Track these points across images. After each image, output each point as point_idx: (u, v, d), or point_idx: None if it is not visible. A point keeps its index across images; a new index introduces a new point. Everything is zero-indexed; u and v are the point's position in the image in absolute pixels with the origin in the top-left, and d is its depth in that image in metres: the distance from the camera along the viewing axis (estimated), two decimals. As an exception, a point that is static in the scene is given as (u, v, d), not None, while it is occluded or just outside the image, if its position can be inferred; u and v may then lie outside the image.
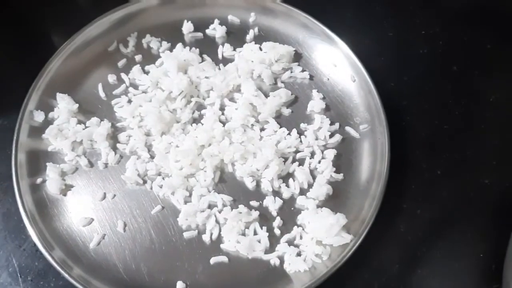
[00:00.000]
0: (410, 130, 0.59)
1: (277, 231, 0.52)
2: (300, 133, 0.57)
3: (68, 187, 0.53)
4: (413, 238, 0.53)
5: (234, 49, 0.62)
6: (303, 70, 0.61)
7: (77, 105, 0.57)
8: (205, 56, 0.61)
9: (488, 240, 0.53)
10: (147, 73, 0.60)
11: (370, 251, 0.52)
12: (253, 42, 0.62)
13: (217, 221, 0.52)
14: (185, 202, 0.53)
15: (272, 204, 0.53)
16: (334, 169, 0.55)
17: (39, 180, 0.54)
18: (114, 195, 0.53)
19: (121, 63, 0.61)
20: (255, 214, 0.52)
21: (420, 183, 0.56)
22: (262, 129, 0.57)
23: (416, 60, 0.65)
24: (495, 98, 0.62)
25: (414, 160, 0.58)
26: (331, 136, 0.57)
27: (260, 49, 0.61)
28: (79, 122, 0.57)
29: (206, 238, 0.51)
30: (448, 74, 0.64)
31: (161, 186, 0.53)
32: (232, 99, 0.59)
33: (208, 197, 0.53)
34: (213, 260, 0.50)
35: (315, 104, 0.58)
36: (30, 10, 0.67)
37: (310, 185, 0.54)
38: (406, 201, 0.55)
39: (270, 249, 0.51)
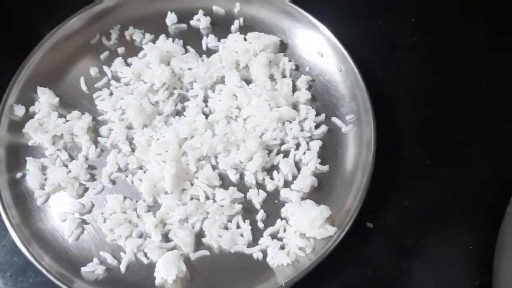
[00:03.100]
0: (398, 120, 0.58)
1: (260, 224, 0.51)
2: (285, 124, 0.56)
3: (48, 182, 0.52)
4: (401, 230, 0.52)
5: (219, 40, 0.61)
6: (289, 60, 0.59)
7: (58, 98, 0.56)
8: (188, 47, 0.60)
9: (478, 233, 0.52)
10: (129, 65, 0.59)
11: (355, 243, 0.50)
12: (238, 33, 0.61)
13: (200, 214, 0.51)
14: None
15: (256, 197, 0.52)
16: (320, 160, 0.54)
17: (18, 175, 0.53)
18: (94, 189, 0.52)
19: (103, 56, 0.60)
20: (238, 207, 0.51)
21: (408, 174, 0.55)
22: (245, 120, 0.56)
23: (406, 49, 0.63)
24: (487, 87, 0.60)
25: (402, 151, 0.56)
26: (317, 127, 0.56)
27: (245, 39, 0.60)
28: (60, 116, 0.56)
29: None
30: (439, 63, 0.62)
31: (141, 180, 0.52)
32: (215, 91, 0.58)
33: (190, 191, 0.52)
34: (194, 255, 0.49)
35: (301, 94, 0.57)
36: (13, 1, 0.66)
37: (295, 177, 0.53)
38: (393, 192, 0.54)
39: (253, 242, 0.50)
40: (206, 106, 0.57)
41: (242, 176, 0.53)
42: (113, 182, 0.53)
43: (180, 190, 0.52)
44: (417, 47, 0.63)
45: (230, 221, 0.51)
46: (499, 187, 0.53)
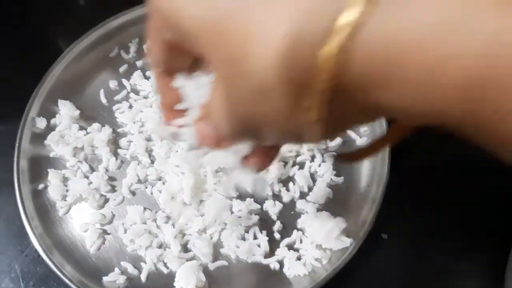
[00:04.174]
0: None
1: (277, 235, 0.52)
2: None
3: (70, 193, 0.54)
4: (415, 242, 0.53)
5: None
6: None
7: (78, 111, 0.58)
8: (205, 60, 0.62)
9: (491, 246, 0.53)
10: (148, 78, 0.61)
11: (370, 254, 0.51)
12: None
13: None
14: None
15: (272, 208, 0.53)
16: (335, 172, 0.55)
17: (40, 186, 0.54)
18: (114, 200, 0.53)
19: (122, 69, 0.61)
20: (255, 218, 0.52)
21: (422, 186, 0.56)
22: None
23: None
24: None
25: (416, 162, 0.57)
26: (332, 139, 0.57)
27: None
28: (81, 128, 0.58)
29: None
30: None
31: (160, 191, 0.53)
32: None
33: (208, 202, 0.53)
34: (212, 265, 0.50)
35: (315, 107, 0.58)
36: (34, 16, 0.68)
37: (310, 189, 0.54)
38: (408, 204, 0.55)
39: (270, 253, 0.51)
40: (223, 118, 0.58)
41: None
42: (133, 193, 0.54)
43: (198, 201, 0.53)
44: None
45: (247, 232, 0.52)
46: (512, 199, 0.54)
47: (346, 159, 0.38)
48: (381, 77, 0.19)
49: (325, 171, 0.55)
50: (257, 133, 0.25)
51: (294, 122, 0.23)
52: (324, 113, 0.22)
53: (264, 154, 0.32)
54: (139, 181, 0.55)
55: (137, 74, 0.60)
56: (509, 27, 0.17)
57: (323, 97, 0.21)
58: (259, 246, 0.51)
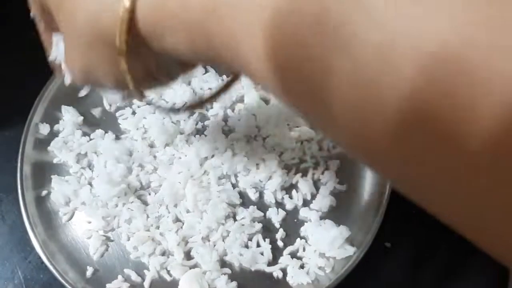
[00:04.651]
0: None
1: (280, 243, 0.52)
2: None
3: (73, 199, 0.54)
4: (418, 251, 0.53)
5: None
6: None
7: (82, 117, 0.58)
8: (208, 67, 0.62)
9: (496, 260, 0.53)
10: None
11: (374, 263, 0.51)
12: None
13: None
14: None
15: (275, 216, 0.53)
16: (338, 180, 0.55)
17: (44, 192, 0.54)
18: (116, 205, 0.53)
19: (125, 74, 0.61)
20: (258, 226, 0.52)
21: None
22: (264, 139, 0.57)
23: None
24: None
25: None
26: (335, 146, 0.57)
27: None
28: (84, 134, 0.58)
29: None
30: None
31: (163, 198, 0.53)
32: (235, 110, 0.59)
33: (211, 209, 0.53)
34: (216, 273, 0.50)
35: (319, 114, 0.58)
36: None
37: (314, 196, 0.54)
38: (411, 212, 0.54)
39: (273, 261, 0.51)
40: (226, 125, 0.58)
41: (261, 195, 0.54)
42: (136, 200, 0.54)
43: (201, 208, 0.53)
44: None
45: (250, 239, 0.52)
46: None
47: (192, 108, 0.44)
48: (159, 29, 0.26)
49: (329, 179, 0.55)
50: (95, 80, 0.32)
51: (115, 70, 0.29)
52: (130, 60, 0.28)
53: None
54: (142, 187, 0.55)
55: (140, 80, 0.60)
56: None
57: (126, 46, 0.27)
58: (262, 254, 0.51)
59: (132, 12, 0.26)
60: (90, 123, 0.58)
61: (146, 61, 0.30)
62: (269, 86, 0.24)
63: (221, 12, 0.24)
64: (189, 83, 0.60)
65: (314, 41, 0.19)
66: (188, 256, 0.51)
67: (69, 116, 0.58)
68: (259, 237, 0.52)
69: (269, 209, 0.53)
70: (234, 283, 0.50)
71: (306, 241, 0.52)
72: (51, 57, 0.39)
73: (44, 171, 0.55)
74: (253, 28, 0.22)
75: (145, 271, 0.50)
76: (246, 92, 0.59)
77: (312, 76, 0.20)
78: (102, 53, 0.29)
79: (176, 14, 0.25)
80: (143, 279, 0.50)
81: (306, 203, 0.54)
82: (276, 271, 0.50)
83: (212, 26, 0.24)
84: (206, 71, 0.61)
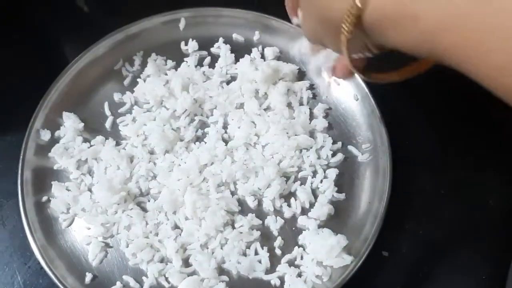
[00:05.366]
0: (413, 149, 0.59)
1: (278, 251, 0.52)
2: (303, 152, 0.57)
3: (73, 205, 0.54)
4: (415, 259, 0.53)
5: (236, 68, 0.63)
6: (306, 89, 0.61)
7: (82, 123, 0.58)
8: (209, 74, 0.62)
9: (491, 262, 0.53)
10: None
11: (371, 271, 0.51)
12: (256, 60, 0.62)
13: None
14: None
15: (274, 224, 0.53)
16: (336, 188, 0.55)
17: (44, 198, 0.54)
18: (116, 212, 0.54)
19: (126, 81, 0.62)
20: (256, 234, 0.52)
21: (423, 203, 0.56)
22: (264, 147, 0.57)
23: (422, 78, 0.64)
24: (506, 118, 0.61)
25: (417, 179, 0.57)
26: (334, 155, 0.57)
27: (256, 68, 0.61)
28: (85, 140, 0.58)
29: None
30: (456, 93, 0.63)
31: (162, 205, 0.53)
32: (234, 118, 0.59)
33: (210, 217, 0.53)
34: (214, 281, 0.50)
35: (318, 122, 0.59)
36: (40, 29, 0.68)
37: (312, 205, 0.54)
38: (408, 221, 0.55)
39: (271, 269, 0.51)
40: (226, 132, 0.59)
41: (260, 203, 0.55)
42: (136, 207, 0.54)
43: (200, 216, 0.53)
44: (434, 76, 0.64)
45: (248, 247, 0.52)
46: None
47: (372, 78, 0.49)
48: (384, 26, 0.35)
49: (327, 187, 0.55)
50: (320, 41, 0.46)
51: (336, 41, 0.39)
52: (350, 35, 0.38)
53: (343, 67, 0.57)
54: (142, 194, 0.55)
55: (141, 87, 0.61)
56: None
57: (349, 34, 0.38)
58: (260, 262, 0.51)
59: (362, 10, 0.35)
60: (90, 130, 0.59)
61: (361, 42, 0.41)
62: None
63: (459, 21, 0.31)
64: (189, 90, 0.60)
65: None
66: (186, 263, 0.51)
67: (70, 122, 0.58)
68: (257, 245, 0.52)
69: (268, 217, 0.54)
70: (232, 291, 0.50)
71: (304, 250, 0.52)
72: (295, 22, 0.52)
73: (44, 177, 0.56)
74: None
75: (144, 277, 0.51)
76: (246, 100, 0.60)
77: None
78: (328, 28, 0.41)
79: (412, 20, 0.33)
80: (142, 286, 0.50)
81: (304, 212, 0.54)
82: (273, 279, 0.51)
83: (446, 34, 0.31)
84: (207, 78, 0.62)
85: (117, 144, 0.58)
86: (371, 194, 0.54)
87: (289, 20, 0.54)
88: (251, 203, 0.54)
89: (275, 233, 0.53)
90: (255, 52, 0.63)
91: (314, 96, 0.61)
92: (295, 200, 0.55)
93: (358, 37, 0.38)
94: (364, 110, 0.59)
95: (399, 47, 0.36)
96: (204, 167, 0.56)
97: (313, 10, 0.42)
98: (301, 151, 0.57)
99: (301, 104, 0.60)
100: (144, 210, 0.54)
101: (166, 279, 0.50)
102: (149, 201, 0.55)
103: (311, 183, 0.56)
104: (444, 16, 0.31)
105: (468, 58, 0.31)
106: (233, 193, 0.55)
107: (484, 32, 0.30)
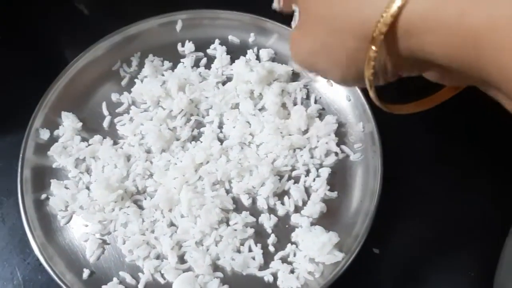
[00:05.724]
0: (404, 149, 0.60)
1: (271, 248, 0.53)
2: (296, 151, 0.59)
3: (71, 203, 0.55)
4: (405, 256, 0.54)
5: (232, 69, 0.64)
6: (300, 90, 0.62)
7: (81, 123, 0.60)
8: (205, 75, 0.63)
9: (480, 260, 0.54)
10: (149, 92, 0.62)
11: (362, 268, 0.53)
12: (251, 62, 0.64)
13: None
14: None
15: (267, 222, 0.54)
16: (329, 187, 0.56)
17: (43, 196, 0.56)
18: (113, 210, 0.55)
19: (124, 82, 0.63)
20: (250, 231, 0.54)
21: (413, 202, 0.57)
22: (258, 147, 0.59)
23: (413, 79, 0.66)
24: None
25: (408, 179, 0.58)
26: (326, 155, 0.58)
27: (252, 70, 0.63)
28: (83, 139, 0.59)
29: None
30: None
31: (159, 203, 0.55)
32: (229, 118, 0.60)
33: (205, 214, 0.54)
34: (208, 277, 0.51)
35: (311, 122, 0.60)
36: (40, 29, 0.70)
37: (305, 203, 0.56)
38: (399, 219, 0.56)
39: (264, 266, 0.52)
40: (221, 132, 0.60)
41: (254, 201, 0.56)
42: (132, 204, 0.55)
43: (195, 213, 0.54)
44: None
45: (242, 244, 0.53)
46: (500, 217, 0.55)
47: (388, 108, 0.40)
48: (422, 30, 0.29)
49: (320, 186, 0.56)
50: (315, 64, 0.38)
51: (352, 59, 0.34)
52: (379, 50, 0.31)
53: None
54: (138, 192, 0.56)
55: (138, 87, 0.62)
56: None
57: (380, 40, 0.30)
58: (253, 258, 0.52)
59: (399, 12, 0.29)
60: (89, 129, 0.60)
61: (389, 58, 0.33)
62: None
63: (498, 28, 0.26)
64: (185, 91, 0.61)
65: None
66: (181, 260, 0.53)
67: (68, 122, 0.59)
68: (251, 242, 0.53)
69: (262, 214, 0.55)
70: (226, 287, 0.51)
71: (297, 247, 0.53)
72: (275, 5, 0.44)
73: (43, 176, 0.57)
74: None
75: (140, 274, 0.52)
76: (241, 100, 0.61)
77: None
78: (343, 40, 0.33)
79: (457, 19, 0.28)
80: (138, 282, 0.51)
81: (297, 209, 0.55)
82: (267, 276, 0.52)
83: (481, 43, 0.27)
84: (203, 79, 0.63)
85: (115, 143, 0.59)
86: (363, 193, 0.56)
87: (283, 22, 0.55)
88: (246, 201, 0.56)
89: (269, 230, 0.54)
90: (250, 54, 0.65)
91: (308, 96, 0.62)
92: (289, 198, 0.56)
93: (380, 56, 0.32)
94: (356, 110, 0.60)
95: (437, 55, 0.30)
96: (199, 166, 0.57)
97: (326, 16, 0.33)
98: (294, 150, 0.58)
99: (295, 104, 0.61)
100: (141, 208, 0.55)
101: (162, 275, 0.52)
102: (145, 199, 0.56)
103: (304, 182, 0.57)
104: (493, 17, 0.27)
105: None
106: (228, 191, 0.56)
107: None
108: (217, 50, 0.65)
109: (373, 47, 0.31)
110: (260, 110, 0.61)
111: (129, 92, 0.62)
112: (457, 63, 0.30)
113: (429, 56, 0.31)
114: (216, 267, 0.52)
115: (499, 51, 0.27)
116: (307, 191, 0.56)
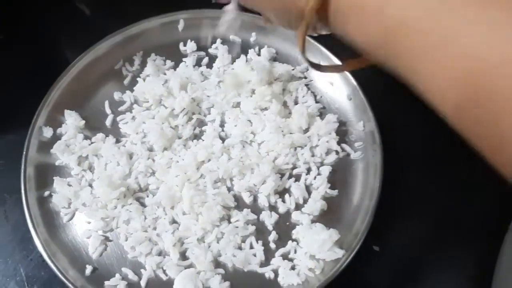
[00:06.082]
0: (405, 148, 0.61)
1: (272, 245, 0.54)
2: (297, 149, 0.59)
3: (74, 200, 0.56)
4: (404, 254, 0.55)
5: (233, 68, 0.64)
6: (301, 88, 0.63)
7: (83, 121, 0.60)
8: (206, 74, 0.64)
9: (479, 259, 0.54)
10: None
11: (362, 265, 0.53)
12: (253, 61, 0.64)
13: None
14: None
15: (268, 219, 0.55)
16: (329, 185, 0.57)
17: (46, 193, 0.56)
18: (115, 207, 0.55)
19: (126, 80, 0.64)
20: (252, 228, 0.54)
21: (413, 200, 0.58)
22: (259, 145, 0.59)
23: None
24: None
25: (408, 177, 0.59)
26: (327, 153, 0.59)
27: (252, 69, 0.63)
28: (86, 137, 0.60)
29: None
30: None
31: (161, 200, 0.55)
32: (231, 117, 0.61)
33: (206, 212, 0.54)
34: (210, 273, 0.52)
35: (312, 121, 0.60)
36: (43, 29, 0.70)
37: (306, 201, 0.56)
38: (398, 217, 0.57)
39: (265, 262, 0.53)
40: (223, 130, 0.60)
41: (255, 199, 0.56)
42: (134, 202, 0.56)
43: (197, 211, 0.55)
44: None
45: (244, 241, 0.54)
46: (499, 214, 0.56)
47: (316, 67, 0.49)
48: (346, 18, 0.34)
49: (320, 184, 0.57)
50: (259, 4, 0.45)
51: (290, 16, 0.40)
52: (310, 20, 0.37)
53: None
54: (141, 190, 0.57)
55: (140, 86, 0.62)
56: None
57: (311, 19, 0.37)
58: (255, 255, 0.53)
59: None
60: (91, 127, 0.61)
61: (320, 25, 0.39)
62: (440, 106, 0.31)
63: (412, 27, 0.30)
64: (187, 90, 0.62)
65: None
66: (183, 256, 0.53)
67: (71, 120, 0.60)
68: (252, 239, 0.54)
69: (263, 212, 0.55)
70: (227, 283, 0.52)
71: (298, 244, 0.54)
72: None
73: (46, 173, 0.58)
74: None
75: (142, 270, 0.52)
76: (243, 99, 0.62)
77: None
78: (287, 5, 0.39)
79: (373, 14, 0.32)
80: (140, 278, 0.52)
81: (298, 207, 0.56)
82: (268, 272, 0.52)
83: (401, 39, 0.30)
84: (205, 78, 0.64)
85: (117, 141, 0.60)
86: (363, 191, 0.56)
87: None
88: (247, 198, 0.56)
89: (270, 227, 0.55)
90: (252, 53, 0.65)
91: (309, 96, 0.63)
92: (290, 196, 0.56)
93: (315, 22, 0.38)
94: (357, 109, 0.60)
95: (358, 43, 0.35)
96: (201, 164, 0.58)
97: None
98: (295, 149, 0.59)
99: (296, 103, 0.62)
100: (143, 205, 0.56)
101: (164, 271, 0.52)
102: (147, 196, 0.56)
103: (305, 180, 0.57)
104: (410, 13, 0.29)
105: (420, 64, 0.30)
106: (229, 189, 0.57)
107: (442, 43, 0.28)
108: (219, 49, 0.66)
109: (306, 18, 0.37)
110: (261, 109, 0.61)
111: (132, 90, 0.63)
112: (375, 52, 0.33)
113: (351, 42, 0.35)
114: (217, 264, 0.53)
115: (409, 50, 0.30)
116: (308, 189, 0.57)
